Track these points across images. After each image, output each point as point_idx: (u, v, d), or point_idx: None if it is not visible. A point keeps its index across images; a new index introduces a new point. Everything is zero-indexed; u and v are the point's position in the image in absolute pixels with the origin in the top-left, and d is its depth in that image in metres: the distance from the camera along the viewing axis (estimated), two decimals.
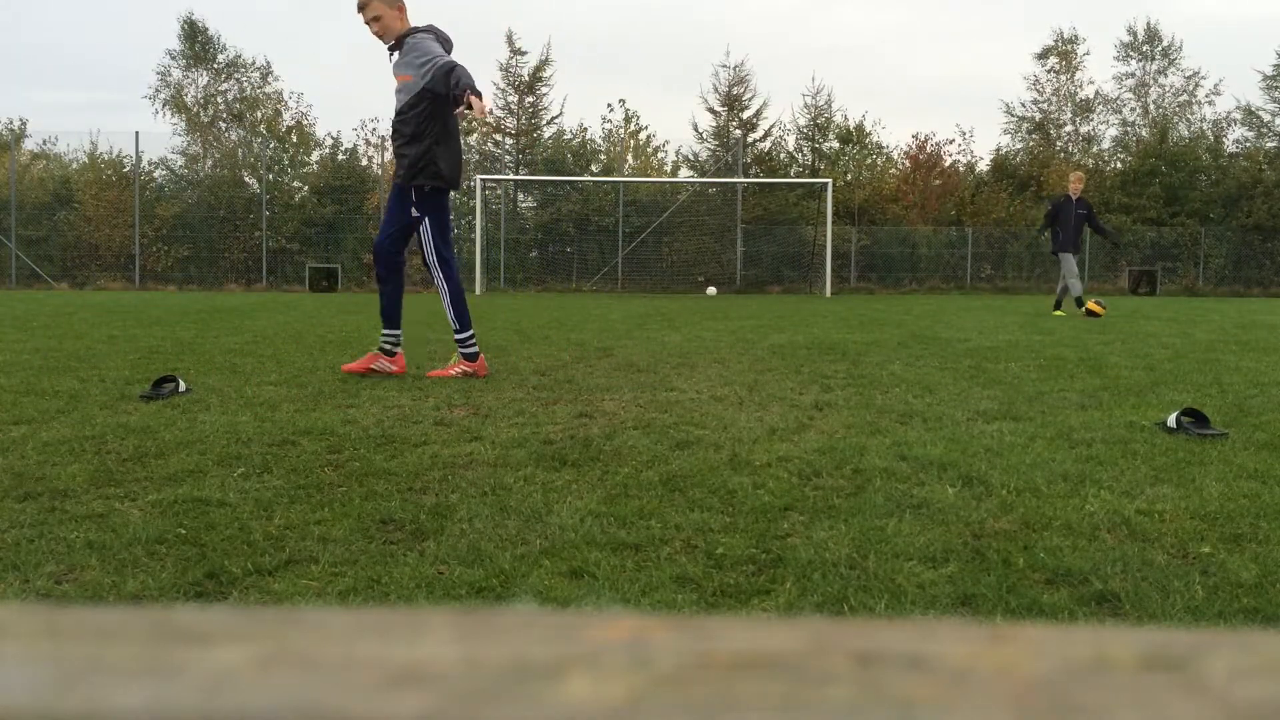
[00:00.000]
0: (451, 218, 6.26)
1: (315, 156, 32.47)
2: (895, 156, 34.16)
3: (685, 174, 33.30)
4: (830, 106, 33.16)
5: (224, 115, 32.50)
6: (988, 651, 0.24)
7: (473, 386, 5.62)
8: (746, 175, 31.55)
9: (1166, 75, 34.71)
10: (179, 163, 31.64)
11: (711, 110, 33.06)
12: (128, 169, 30.17)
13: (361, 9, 5.81)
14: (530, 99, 32.51)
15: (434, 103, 5.79)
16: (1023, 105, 35.01)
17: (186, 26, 32.45)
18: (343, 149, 31.87)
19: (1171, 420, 4.26)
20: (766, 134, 33.08)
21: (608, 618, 0.24)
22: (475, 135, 32.26)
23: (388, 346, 6.07)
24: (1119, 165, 33.86)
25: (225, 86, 32.27)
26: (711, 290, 26.91)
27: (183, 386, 5.25)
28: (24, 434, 4.02)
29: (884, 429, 4.32)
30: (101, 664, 0.22)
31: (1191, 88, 34.48)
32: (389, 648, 0.23)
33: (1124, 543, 2.63)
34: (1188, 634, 0.26)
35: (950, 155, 34.22)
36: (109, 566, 2.41)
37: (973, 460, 3.63)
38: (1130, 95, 34.73)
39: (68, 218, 29.48)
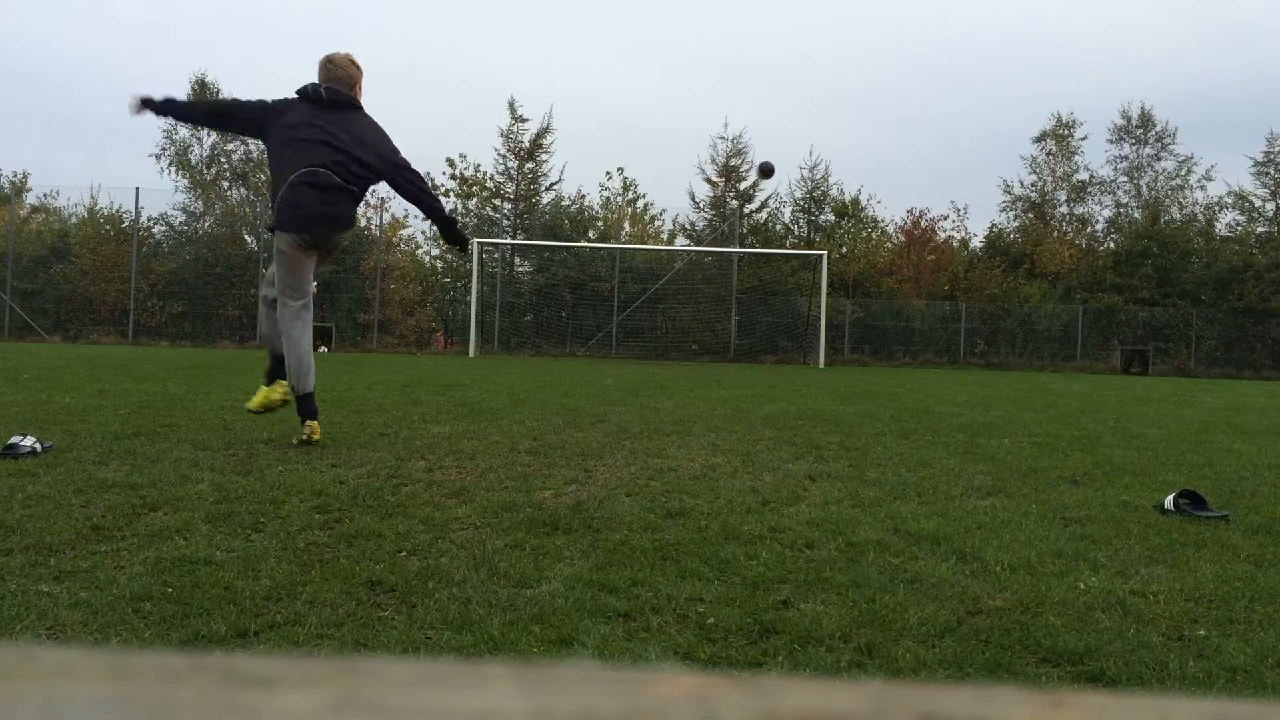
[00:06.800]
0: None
1: None
2: (890, 230, 34.54)
3: (681, 243, 33.56)
4: (827, 180, 33.59)
5: (227, 174, 32.72)
6: (1048, 716, 0.23)
7: (463, 449, 5.60)
8: (742, 245, 31.81)
9: (1160, 160, 35.23)
10: (179, 219, 31.81)
11: (709, 180, 33.44)
12: (126, 224, 30.31)
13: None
14: (530, 165, 32.89)
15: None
16: (1021, 184, 35.46)
17: (197, 88, 32.78)
18: None
19: (1168, 502, 4.23)
20: (763, 205, 33.43)
21: (669, 674, 0.24)
22: (475, 200, 32.56)
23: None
24: (1111, 245, 34.22)
25: (231, 147, 32.50)
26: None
27: (28, 445, 4.79)
28: (11, 487, 3.98)
29: (877, 502, 4.30)
30: (174, 706, 0.22)
31: (1184, 172, 34.98)
32: (456, 697, 0.22)
33: (1119, 623, 2.61)
34: (1247, 704, 0.25)
35: (944, 231, 34.61)
36: (92, 624, 2.38)
37: (967, 536, 3.61)
38: (1125, 178, 35.23)
39: (63, 271, 29.53)
